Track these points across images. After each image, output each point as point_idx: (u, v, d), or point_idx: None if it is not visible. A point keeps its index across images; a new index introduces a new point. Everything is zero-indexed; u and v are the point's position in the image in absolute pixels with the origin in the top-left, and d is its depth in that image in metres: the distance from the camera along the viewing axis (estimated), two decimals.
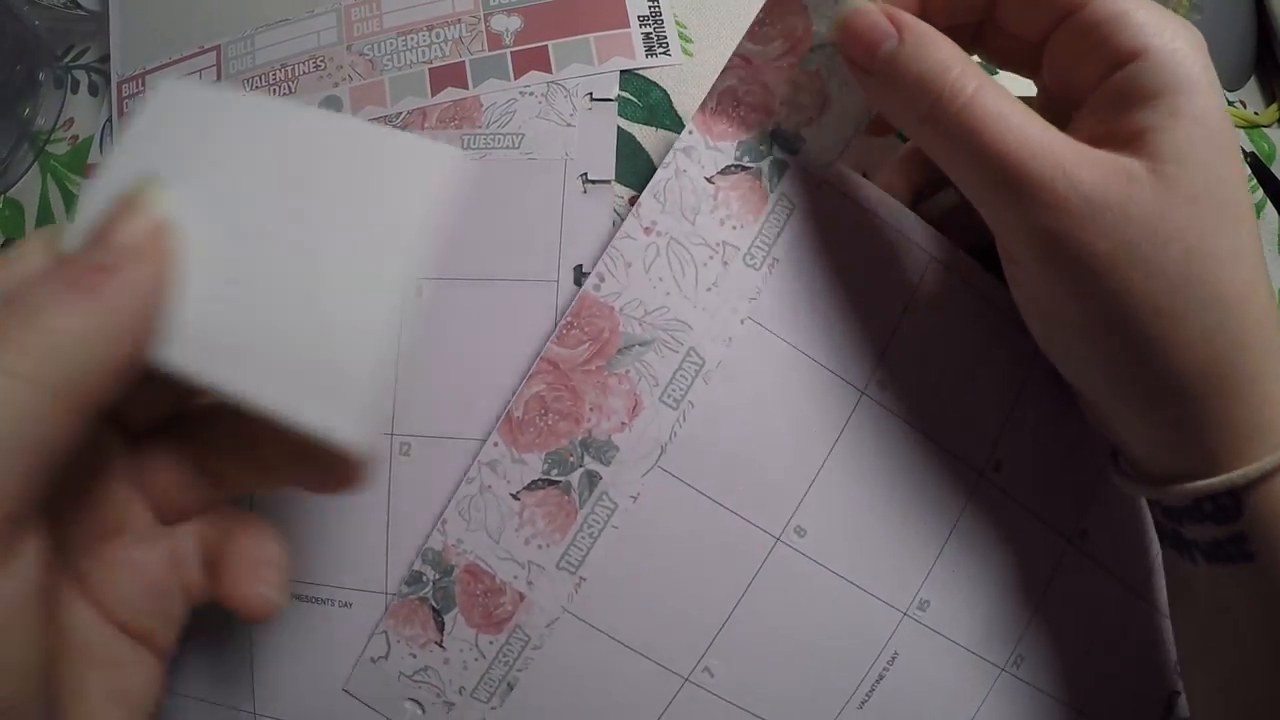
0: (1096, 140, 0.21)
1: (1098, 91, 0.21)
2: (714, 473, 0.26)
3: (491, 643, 0.26)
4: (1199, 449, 0.22)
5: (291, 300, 0.17)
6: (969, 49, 0.23)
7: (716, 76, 0.25)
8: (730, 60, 0.25)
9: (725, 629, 0.26)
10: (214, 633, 0.28)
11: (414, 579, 0.27)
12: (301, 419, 0.17)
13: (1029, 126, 0.21)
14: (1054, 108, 0.23)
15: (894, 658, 0.27)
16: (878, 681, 0.27)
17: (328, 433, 0.17)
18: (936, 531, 0.27)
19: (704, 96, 0.26)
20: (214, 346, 0.17)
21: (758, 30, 0.24)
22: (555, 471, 0.26)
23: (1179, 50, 0.20)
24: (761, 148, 0.26)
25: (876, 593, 0.27)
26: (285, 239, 0.18)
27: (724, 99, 0.25)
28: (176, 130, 0.19)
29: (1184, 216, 0.20)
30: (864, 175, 0.28)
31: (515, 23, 0.31)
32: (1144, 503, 0.29)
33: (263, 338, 0.17)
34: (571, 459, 0.26)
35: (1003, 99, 0.21)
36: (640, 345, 0.24)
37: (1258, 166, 0.35)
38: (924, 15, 0.22)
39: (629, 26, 0.30)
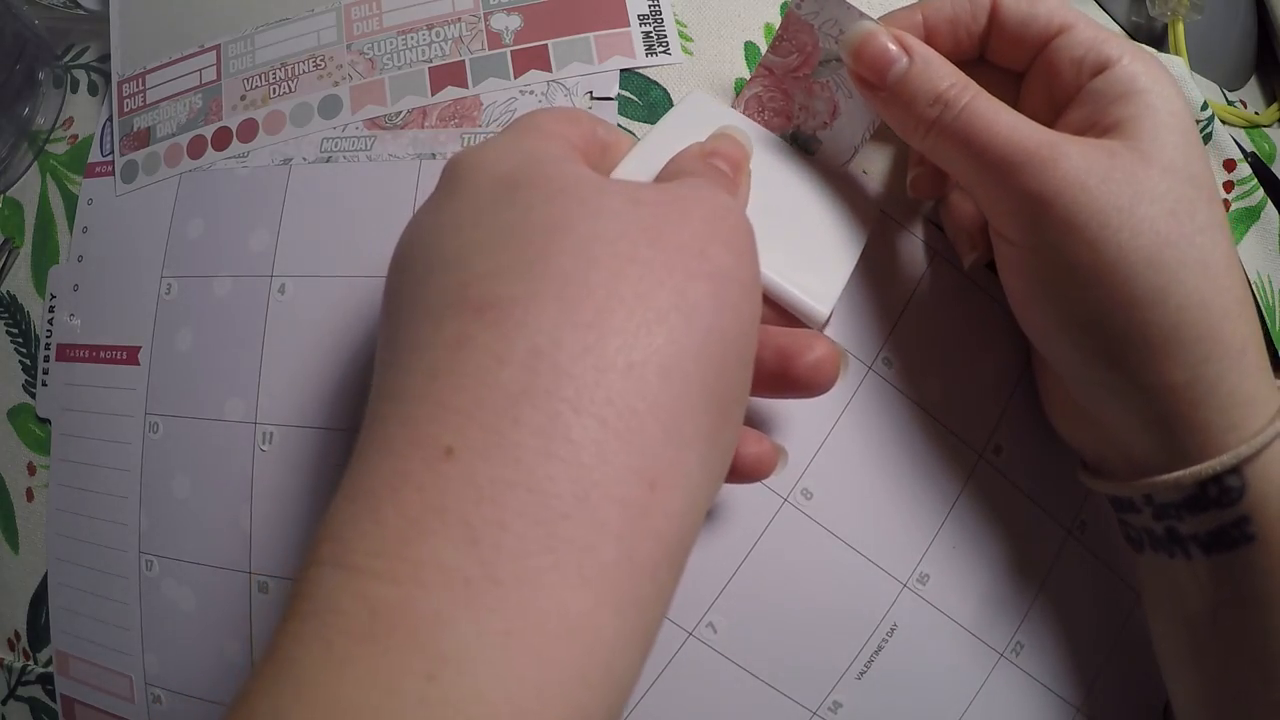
0: (1078, 134, 0.23)
1: (1077, 97, 0.24)
2: None
3: None
4: (1199, 421, 0.22)
5: (792, 222, 0.26)
6: None
7: (745, 82, 0.28)
8: (756, 70, 0.27)
9: (731, 584, 0.27)
10: (214, 633, 0.28)
11: None
12: (789, 288, 0.24)
13: (1019, 120, 0.23)
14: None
15: (893, 629, 0.27)
16: (876, 653, 0.27)
17: (803, 300, 0.24)
18: (937, 506, 0.28)
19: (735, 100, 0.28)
20: None
21: (778, 44, 0.27)
22: None
23: (1145, 63, 0.23)
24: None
25: (878, 561, 0.27)
26: (782, 187, 0.26)
27: (751, 104, 0.28)
28: (699, 118, 0.26)
29: (1164, 183, 0.22)
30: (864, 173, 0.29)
31: (515, 22, 0.31)
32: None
33: (775, 240, 0.24)
34: None
35: (995, 103, 0.23)
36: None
37: (1258, 166, 0.35)
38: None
39: (629, 25, 0.30)
